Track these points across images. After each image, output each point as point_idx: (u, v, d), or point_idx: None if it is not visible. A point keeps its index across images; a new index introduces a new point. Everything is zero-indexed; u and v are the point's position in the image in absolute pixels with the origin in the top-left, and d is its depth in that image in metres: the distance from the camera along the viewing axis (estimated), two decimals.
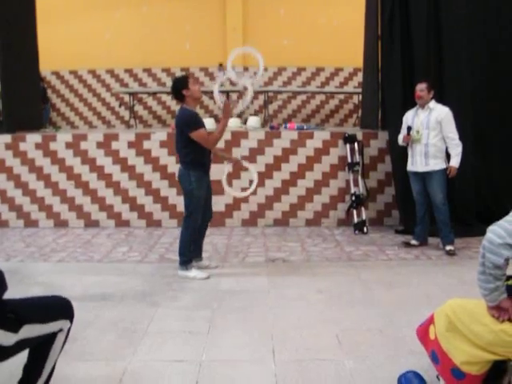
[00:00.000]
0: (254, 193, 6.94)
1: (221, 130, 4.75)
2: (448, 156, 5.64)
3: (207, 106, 11.20)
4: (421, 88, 5.64)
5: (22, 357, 2.47)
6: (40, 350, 2.50)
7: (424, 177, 5.69)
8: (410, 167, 5.83)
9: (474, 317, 2.39)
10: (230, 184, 6.08)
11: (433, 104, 5.66)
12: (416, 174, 5.76)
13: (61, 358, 2.65)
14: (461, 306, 2.49)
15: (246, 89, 5.29)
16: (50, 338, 2.49)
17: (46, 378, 2.52)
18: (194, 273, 4.83)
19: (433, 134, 5.57)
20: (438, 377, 2.65)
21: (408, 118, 5.82)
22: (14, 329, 2.28)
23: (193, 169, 4.72)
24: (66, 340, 2.59)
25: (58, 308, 2.56)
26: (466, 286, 4.38)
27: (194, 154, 4.71)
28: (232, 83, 8.06)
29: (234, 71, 5.19)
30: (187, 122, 4.63)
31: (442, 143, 5.60)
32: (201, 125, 4.69)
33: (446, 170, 5.60)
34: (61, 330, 2.52)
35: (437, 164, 5.59)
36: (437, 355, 2.53)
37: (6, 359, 2.39)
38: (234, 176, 6.76)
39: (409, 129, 5.70)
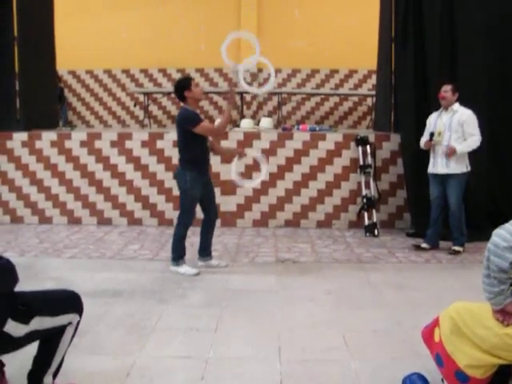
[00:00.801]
0: (266, 193, 7.03)
1: (226, 119, 4.91)
2: (469, 160, 5.63)
3: (221, 106, 11.26)
4: (445, 89, 5.64)
5: (33, 348, 2.53)
6: (49, 342, 2.56)
7: (444, 179, 5.67)
8: (430, 169, 5.81)
9: (479, 320, 2.40)
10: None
11: (457, 106, 5.65)
12: (436, 176, 5.74)
13: (71, 350, 2.71)
14: (466, 308, 2.50)
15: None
16: (60, 330, 2.55)
17: (54, 369, 2.58)
18: (184, 269, 4.94)
19: (455, 137, 5.55)
20: (442, 380, 2.65)
21: (431, 120, 5.81)
22: (25, 320, 2.35)
23: (189, 168, 4.83)
24: (75, 333, 2.65)
25: (68, 302, 2.62)
26: (475, 290, 4.29)
27: (192, 154, 4.84)
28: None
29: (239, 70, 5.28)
30: (189, 118, 4.76)
31: None
32: (200, 118, 4.83)
33: (466, 174, 5.60)
34: (70, 324, 2.58)
35: (458, 167, 5.58)
36: (441, 358, 2.54)
37: (17, 350, 2.46)
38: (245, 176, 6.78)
39: (431, 135, 5.69)
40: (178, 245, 4.99)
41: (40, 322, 2.43)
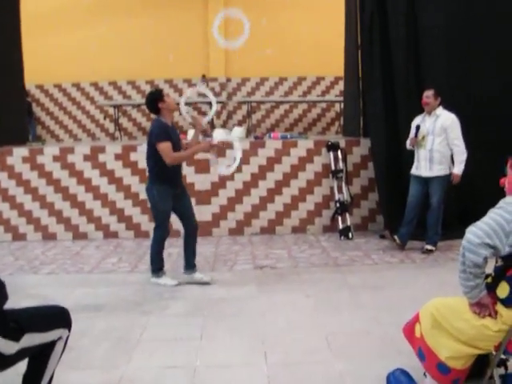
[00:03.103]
0: (241, 201, 7.10)
1: (188, 155, 4.97)
2: (453, 162, 5.77)
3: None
4: (427, 95, 5.77)
5: (23, 364, 2.53)
6: (39, 358, 2.56)
7: (426, 181, 5.82)
8: (413, 171, 5.95)
9: (457, 313, 2.52)
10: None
11: (440, 110, 5.78)
12: (418, 177, 5.88)
13: (57, 367, 2.71)
14: (444, 304, 2.62)
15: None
16: (50, 346, 2.56)
17: None
18: (164, 280, 4.96)
19: (438, 140, 5.69)
20: (424, 374, 2.76)
21: (415, 123, 5.92)
22: (16, 337, 2.35)
23: (157, 182, 4.77)
24: (64, 348, 2.66)
25: (57, 317, 2.63)
26: (449, 286, 4.42)
27: (159, 168, 4.72)
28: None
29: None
30: (155, 132, 4.70)
31: (447, 149, 5.72)
32: (168, 138, 4.67)
33: (449, 176, 5.74)
34: (60, 339, 2.59)
35: (441, 170, 5.73)
36: (423, 352, 2.65)
37: (7, 368, 2.45)
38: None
39: (417, 128, 5.80)
40: (156, 257, 4.99)
41: (31, 339, 2.43)
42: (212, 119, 10.22)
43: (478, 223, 2.38)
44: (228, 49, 10.22)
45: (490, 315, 2.43)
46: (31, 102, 11.31)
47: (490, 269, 2.53)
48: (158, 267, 5.00)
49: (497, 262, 2.49)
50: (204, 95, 7.18)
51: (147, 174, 4.96)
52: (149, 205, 6.80)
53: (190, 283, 4.98)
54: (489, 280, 2.52)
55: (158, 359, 3.40)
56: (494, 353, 2.49)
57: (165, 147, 4.63)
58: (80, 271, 5.58)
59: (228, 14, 5.94)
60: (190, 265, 5.07)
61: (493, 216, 2.38)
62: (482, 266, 2.36)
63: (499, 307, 2.43)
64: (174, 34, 11.08)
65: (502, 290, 2.43)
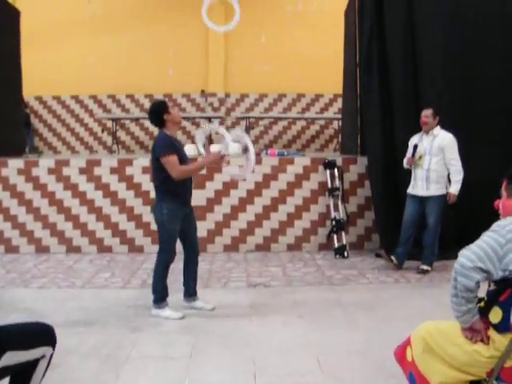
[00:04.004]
0: (236, 218, 7.06)
1: (196, 168, 4.59)
2: (450, 181, 5.76)
3: (189, 131, 11.31)
4: (426, 114, 5.78)
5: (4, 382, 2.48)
6: (21, 377, 2.50)
7: (423, 200, 5.80)
8: (410, 190, 5.93)
9: (449, 338, 2.48)
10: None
11: (437, 130, 5.79)
12: (415, 196, 5.86)
13: None
14: (436, 327, 2.57)
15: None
16: (32, 364, 2.50)
17: None
18: (167, 312, 4.49)
19: (435, 160, 5.69)
20: None
21: (413, 142, 5.92)
22: None
23: (166, 200, 4.41)
24: (47, 367, 2.60)
25: (41, 334, 2.58)
26: (445, 308, 4.37)
27: (168, 184, 4.38)
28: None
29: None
30: (160, 145, 4.37)
31: (444, 169, 5.72)
32: (173, 150, 4.36)
33: (446, 195, 5.72)
34: (43, 357, 2.53)
35: (438, 189, 5.72)
36: (414, 377, 2.60)
37: None
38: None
39: (415, 147, 5.79)
40: (159, 285, 4.52)
41: (12, 357, 2.37)
42: (210, 134, 10.24)
43: (471, 246, 2.35)
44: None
45: (482, 340, 2.39)
46: (29, 114, 11.32)
47: (482, 293, 2.49)
48: (160, 296, 4.52)
49: (489, 285, 2.45)
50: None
51: (154, 190, 4.58)
52: (145, 219, 6.91)
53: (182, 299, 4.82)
54: (481, 304, 2.48)
55: (147, 378, 3.34)
56: (486, 379, 2.44)
57: (171, 160, 4.29)
58: (72, 286, 5.52)
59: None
60: (190, 292, 4.74)
61: (486, 239, 2.34)
62: (474, 290, 2.32)
63: (491, 332, 2.39)
64: (174, 48, 11.16)
65: (495, 315, 2.39)
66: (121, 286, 5.49)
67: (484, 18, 6.63)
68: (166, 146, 4.36)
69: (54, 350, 2.60)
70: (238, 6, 5.05)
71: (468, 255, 2.31)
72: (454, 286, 2.36)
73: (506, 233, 2.31)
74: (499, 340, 2.35)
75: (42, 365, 2.54)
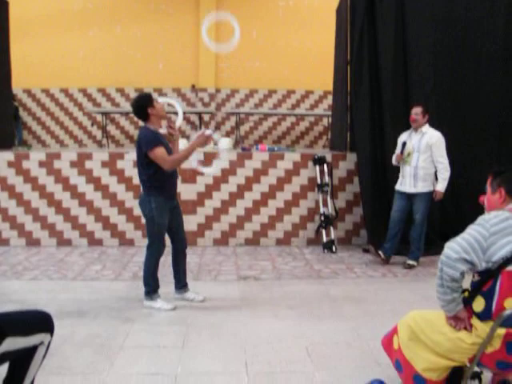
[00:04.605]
0: (226, 212, 7.14)
1: (187, 153, 4.43)
2: (437, 179, 5.87)
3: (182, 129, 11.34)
4: (416, 112, 5.87)
5: (3, 368, 2.54)
6: (20, 362, 2.56)
7: (410, 197, 5.92)
8: (398, 186, 6.04)
9: (434, 326, 2.59)
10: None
11: (426, 128, 5.89)
12: (403, 193, 5.97)
13: (38, 372, 2.71)
14: (422, 316, 2.68)
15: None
16: (31, 351, 2.56)
17: None
18: (159, 303, 4.59)
19: (423, 158, 5.79)
20: None
21: (402, 139, 6.03)
22: None
23: (154, 194, 4.43)
24: (46, 353, 2.66)
25: (40, 321, 2.64)
26: (429, 301, 4.57)
27: (156, 178, 4.41)
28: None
29: None
30: (145, 141, 4.32)
31: (432, 166, 5.83)
32: (159, 143, 4.34)
33: (432, 192, 5.83)
34: (41, 343, 2.59)
35: (425, 187, 5.83)
36: (400, 363, 2.71)
37: None
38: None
39: (403, 144, 5.91)
40: (151, 278, 4.60)
41: (12, 343, 2.43)
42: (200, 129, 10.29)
43: (457, 238, 2.46)
44: (219, 52, 10.29)
45: (465, 328, 2.50)
46: (18, 107, 11.26)
47: (467, 284, 2.60)
48: (152, 289, 4.62)
49: (474, 276, 2.56)
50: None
51: (141, 186, 4.60)
52: (136, 212, 6.95)
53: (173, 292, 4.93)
54: (466, 294, 2.59)
55: (140, 366, 3.42)
56: (468, 365, 2.55)
57: (159, 153, 4.29)
58: (63, 278, 5.56)
59: (218, 17, 5.81)
60: (181, 284, 4.84)
61: (471, 232, 2.45)
62: (459, 280, 2.43)
63: (474, 321, 2.50)
64: (165, 42, 11.15)
65: (478, 305, 2.50)
66: (112, 279, 5.55)
67: (473, 20, 6.76)
68: (150, 141, 4.33)
69: (52, 336, 2.66)
70: (238, 26, 5.05)
71: (454, 247, 2.42)
72: (440, 276, 2.47)
73: (490, 226, 2.42)
74: (481, 328, 2.46)
75: (41, 351, 2.60)
